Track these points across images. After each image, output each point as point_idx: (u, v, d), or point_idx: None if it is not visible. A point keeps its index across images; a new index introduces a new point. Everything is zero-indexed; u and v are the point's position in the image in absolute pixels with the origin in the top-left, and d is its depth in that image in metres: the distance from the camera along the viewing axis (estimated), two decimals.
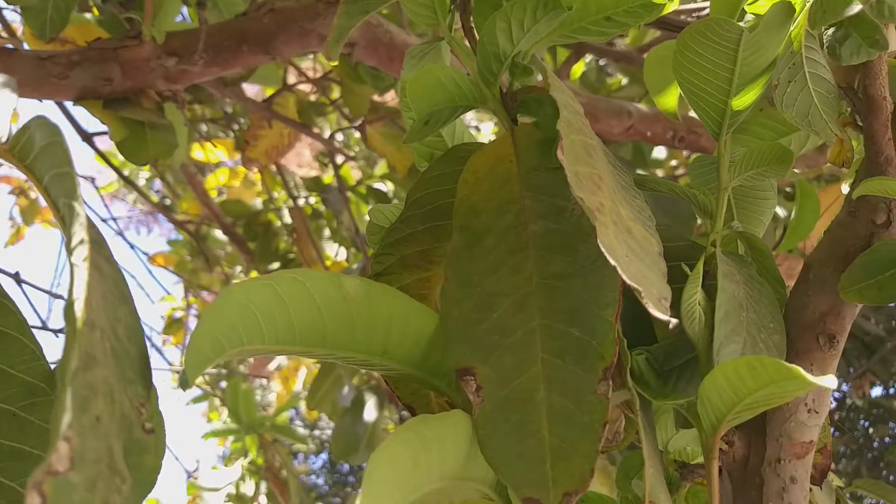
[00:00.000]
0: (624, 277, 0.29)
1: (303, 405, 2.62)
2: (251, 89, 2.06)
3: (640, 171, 1.62)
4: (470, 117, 2.49)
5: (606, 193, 0.34)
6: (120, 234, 2.22)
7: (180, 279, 2.67)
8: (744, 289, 0.40)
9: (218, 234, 2.31)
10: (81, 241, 0.23)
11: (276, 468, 2.07)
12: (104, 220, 2.22)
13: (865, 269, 0.40)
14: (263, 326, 0.30)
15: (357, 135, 1.75)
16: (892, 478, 5.17)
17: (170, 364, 2.45)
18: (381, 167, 2.02)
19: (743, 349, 0.37)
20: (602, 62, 1.92)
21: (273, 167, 1.93)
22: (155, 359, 2.63)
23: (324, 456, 7.18)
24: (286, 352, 0.33)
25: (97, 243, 0.26)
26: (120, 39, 0.85)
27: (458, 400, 0.36)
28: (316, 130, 1.55)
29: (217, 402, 2.81)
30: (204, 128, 2.05)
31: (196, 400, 2.80)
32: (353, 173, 2.14)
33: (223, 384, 2.76)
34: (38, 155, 0.26)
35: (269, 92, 1.45)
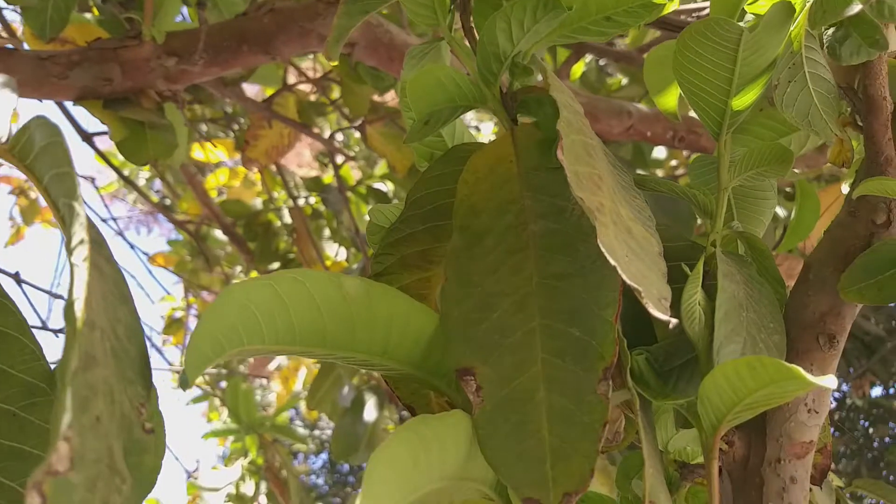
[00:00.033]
0: (624, 277, 0.29)
1: (303, 405, 2.62)
2: (251, 89, 2.06)
3: (640, 171, 1.62)
4: (470, 117, 2.49)
5: (606, 193, 0.34)
6: (120, 234, 2.22)
7: (180, 279, 2.67)
8: (744, 289, 0.40)
9: (218, 234, 2.31)
10: (81, 241, 0.23)
11: (276, 468, 2.08)
12: (104, 220, 2.22)
13: (865, 269, 0.40)
14: (263, 326, 0.30)
15: (357, 135, 1.75)
16: (892, 478, 5.17)
17: (170, 364, 2.45)
18: (381, 167, 2.02)
19: (743, 349, 0.37)
20: (602, 62, 1.92)
21: (273, 167, 1.93)
22: (155, 359, 2.63)
23: (324, 456, 7.18)
24: (286, 352, 0.33)
25: (97, 243, 0.26)
26: (120, 39, 0.85)
27: (458, 400, 0.36)
28: (316, 130, 1.55)
29: (217, 402, 2.81)
30: (204, 128, 2.05)
31: (196, 400, 2.80)
32: (353, 173, 2.14)
33: (223, 384, 2.76)
34: (38, 155, 0.26)
35: (269, 92, 1.45)
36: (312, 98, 1.63)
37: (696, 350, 0.38)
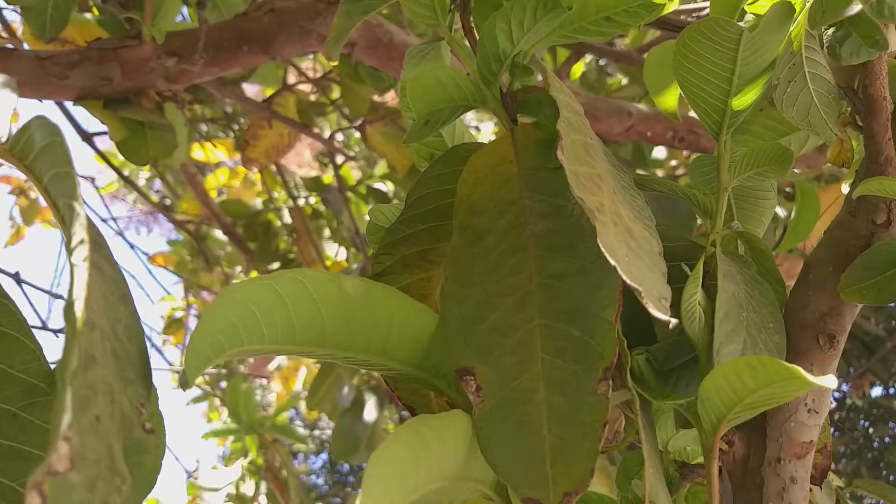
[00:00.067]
0: (624, 277, 0.29)
1: (303, 405, 2.62)
2: (251, 89, 2.06)
3: (640, 171, 1.62)
4: (470, 117, 2.49)
5: (606, 193, 0.34)
6: (120, 234, 2.22)
7: (180, 279, 2.67)
8: (744, 289, 0.40)
9: (218, 234, 2.31)
10: (81, 241, 0.23)
11: (276, 468, 2.08)
12: (104, 220, 2.22)
13: (865, 268, 0.40)
14: (263, 326, 0.30)
15: (357, 135, 1.75)
16: (892, 478, 5.17)
17: (170, 364, 2.45)
18: (381, 167, 2.02)
19: (743, 349, 0.37)
20: (602, 62, 1.92)
21: (273, 167, 1.93)
22: (155, 359, 2.63)
23: (324, 456, 7.18)
24: (286, 351, 0.33)
25: (97, 243, 0.26)
26: (120, 39, 0.85)
27: (458, 400, 0.36)
28: (316, 130, 1.55)
29: (217, 402, 2.81)
30: (204, 128, 2.05)
31: (196, 400, 2.80)
32: (353, 173, 2.14)
33: (223, 384, 2.76)
34: (38, 155, 0.26)
35: (269, 92, 1.45)
36: (312, 98, 1.63)
37: (696, 350, 0.38)
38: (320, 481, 7.53)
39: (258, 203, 2.19)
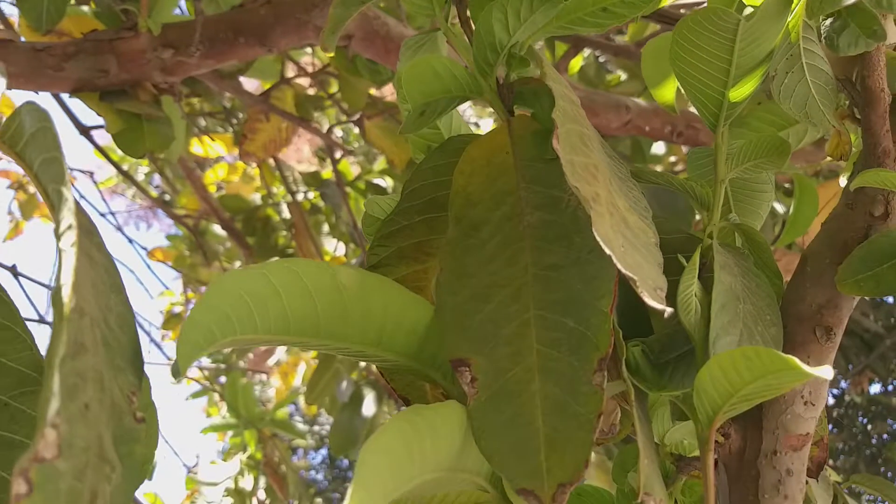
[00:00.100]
0: (619, 267, 0.29)
1: (302, 400, 2.62)
2: (250, 86, 2.05)
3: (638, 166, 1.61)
4: (469, 113, 2.49)
5: (602, 183, 0.33)
6: (119, 229, 2.22)
7: (179, 274, 2.67)
8: (741, 281, 0.39)
9: (217, 229, 2.31)
10: (70, 227, 0.22)
11: (275, 463, 2.08)
12: (103, 215, 2.22)
13: (863, 261, 0.40)
14: (256, 316, 0.30)
15: (356, 130, 1.75)
16: (890, 474, 5.18)
17: (168, 359, 2.45)
18: (380, 163, 2.02)
19: (739, 341, 0.37)
20: (602, 59, 1.92)
21: (271, 162, 1.93)
22: (154, 354, 2.63)
23: (323, 451, 7.19)
24: (280, 342, 0.32)
25: (87, 231, 0.25)
26: (116, 31, 0.85)
27: (453, 391, 0.36)
28: (314, 125, 1.55)
29: (216, 397, 2.81)
30: (202, 122, 2.05)
31: (196, 395, 2.80)
32: (351, 168, 2.14)
33: (223, 379, 2.76)
34: (28, 141, 0.25)
35: (267, 86, 1.45)
36: (310, 92, 1.62)
37: (692, 342, 0.38)
38: (320, 477, 7.54)
39: (257, 198, 2.19)
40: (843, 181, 0.47)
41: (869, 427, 5.32)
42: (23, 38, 0.97)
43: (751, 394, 0.32)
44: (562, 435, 0.31)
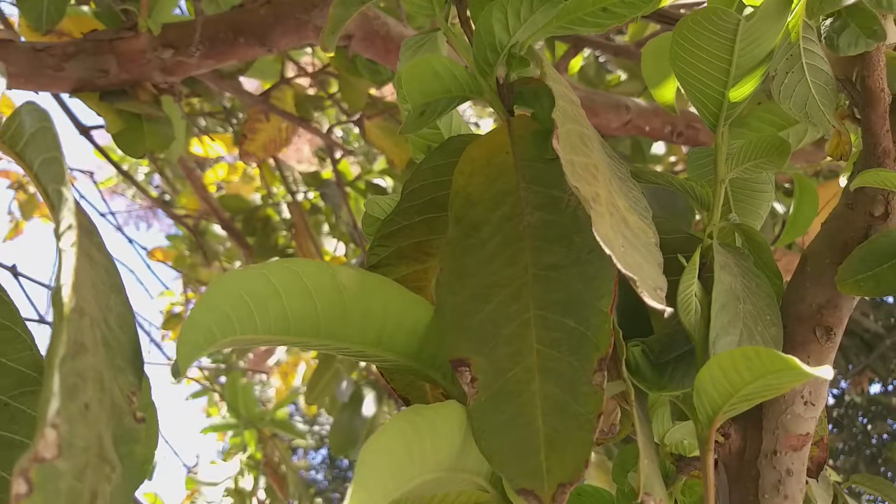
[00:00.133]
0: (619, 267, 0.29)
1: (302, 400, 2.62)
2: (250, 86, 2.05)
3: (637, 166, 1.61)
4: (469, 113, 2.49)
5: (602, 183, 0.33)
6: (119, 229, 2.22)
7: (179, 274, 2.67)
8: (741, 281, 0.39)
9: (217, 229, 2.31)
10: (69, 227, 0.22)
11: (275, 463, 2.08)
12: (103, 215, 2.22)
13: (863, 261, 0.40)
14: (256, 316, 0.30)
15: (356, 130, 1.75)
16: (890, 474, 5.18)
17: (168, 359, 2.45)
18: (380, 163, 2.02)
19: (739, 341, 0.37)
20: (602, 59, 1.92)
21: (271, 162, 1.93)
22: (154, 354, 2.63)
23: (323, 451, 7.19)
24: (280, 342, 0.32)
25: (87, 230, 0.25)
26: (116, 31, 0.85)
27: (453, 391, 0.36)
28: (314, 125, 1.55)
29: (217, 397, 2.81)
30: (203, 122, 2.05)
31: (196, 395, 2.80)
32: (351, 168, 2.14)
33: (223, 379, 2.76)
34: (28, 141, 0.25)
35: (267, 86, 1.45)
36: (310, 92, 1.62)
37: (692, 342, 0.38)
38: (320, 477, 7.54)
39: (257, 198, 2.19)
40: (843, 181, 0.47)
41: (869, 427, 5.32)
42: (23, 38, 0.97)
43: (751, 394, 0.32)
44: (562, 435, 0.31)
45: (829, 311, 0.41)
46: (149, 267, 4.43)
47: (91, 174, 2.20)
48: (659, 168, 1.82)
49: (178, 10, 1.08)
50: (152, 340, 2.48)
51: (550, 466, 0.30)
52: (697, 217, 0.79)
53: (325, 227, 2.17)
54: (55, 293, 0.21)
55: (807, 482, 0.40)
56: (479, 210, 0.37)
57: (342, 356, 0.36)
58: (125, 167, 2.29)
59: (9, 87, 0.87)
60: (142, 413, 0.26)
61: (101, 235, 0.29)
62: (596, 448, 0.30)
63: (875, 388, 5.13)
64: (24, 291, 1.35)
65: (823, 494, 0.45)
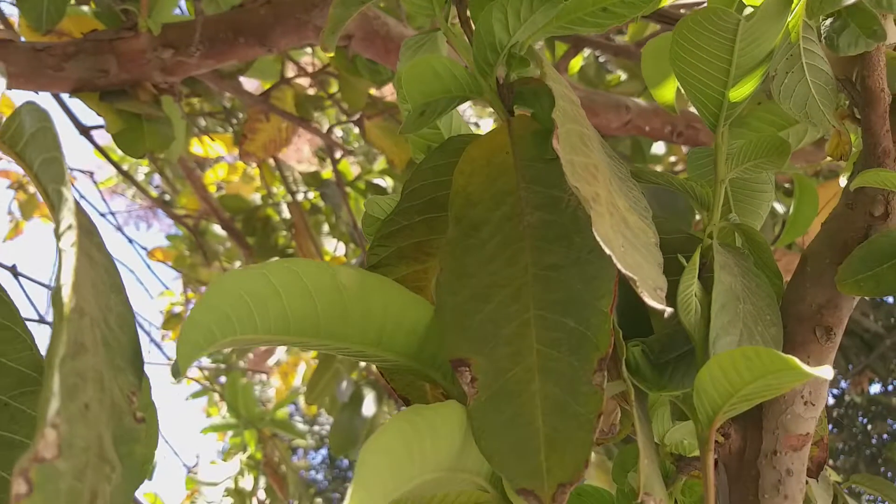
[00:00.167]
0: (619, 267, 0.29)
1: (302, 400, 2.62)
2: (250, 86, 2.05)
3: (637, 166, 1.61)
4: (469, 113, 2.49)
5: (602, 183, 0.33)
6: (119, 229, 2.22)
7: (179, 274, 2.67)
8: (741, 280, 0.39)
9: (217, 229, 2.31)
10: (69, 227, 0.22)
11: (275, 463, 2.08)
12: (103, 215, 2.22)
13: (863, 261, 0.40)
14: (256, 316, 0.30)
15: (356, 130, 1.75)
16: (890, 474, 5.18)
17: (168, 359, 2.45)
18: (380, 163, 2.02)
19: (739, 341, 0.37)
20: (602, 59, 1.92)
21: (271, 162, 1.93)
22: (154, 354, 2.63)
23: (323, 451, 7.19)
24: (280, 342, 0.32)
25: (87, 231, 0.25)
26: (116, 31, 0.85)
27: (453, 391, 0.36)
28: (314, 125, 1.55)
29: (217, 397, 2.81)
30: (202, 122, 2.05)
31: (196, 395, 2.80)
32: (351, 168, 2.14)
33: (223, 379, 2.76)
34: (28, 141, 0.25)
35: (267, 86, 1.45)
36: (310, 92, 1.62)
37: (692, 342, 0.38)
38: (320, 477, 7.54)
39: (257, 198, 2.19)
40: (843, 181, 0.47)
41: (869, 427, 5.32)
42: (23, 38, 0.97)
43: (751, 394, 0.32)
44: (562, 435, 0.31)
45: (829, 311, 0.41)
46: (149, 267, 4.43)
47: (91, 174, 2.20)
48: (659, 168, 1.82)
49: (178, 10, 1.08)
50: (152, 340, 2.48)
51: (550, 466, 0.30)
52: (697, 217, 0.79)
53: (325, 227, 2.17)
54: (55, 293, 0.21)
55: (807, 482, 0.40)
56: (479, 210, 0.37)
57: (342, 356, 0.36)
58: (125, 167, 2.29)
59: (9, 87, 0.87)
60: (142, 413, 0.26)
61: (101, 235, 0.29)
62: (596, 448, 0.30)
63: (875, 388, 5.13)
64: (24, 291, 1.35)
65: (823, 494, 0.45)
